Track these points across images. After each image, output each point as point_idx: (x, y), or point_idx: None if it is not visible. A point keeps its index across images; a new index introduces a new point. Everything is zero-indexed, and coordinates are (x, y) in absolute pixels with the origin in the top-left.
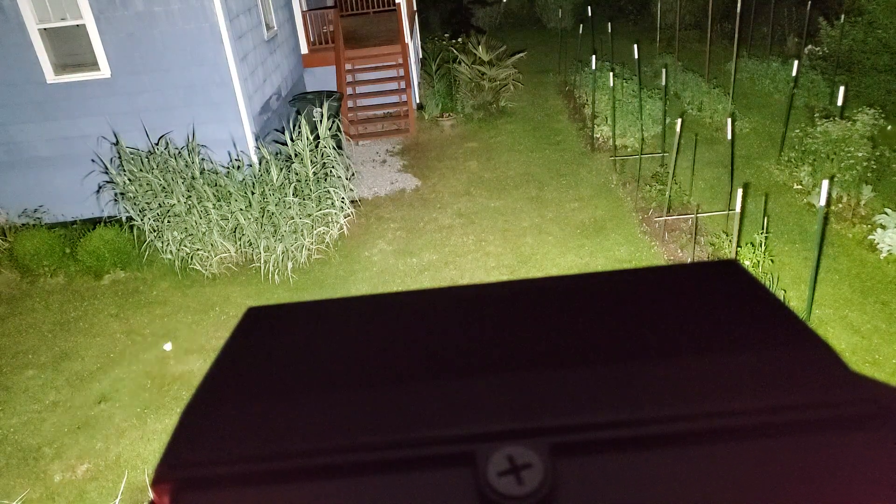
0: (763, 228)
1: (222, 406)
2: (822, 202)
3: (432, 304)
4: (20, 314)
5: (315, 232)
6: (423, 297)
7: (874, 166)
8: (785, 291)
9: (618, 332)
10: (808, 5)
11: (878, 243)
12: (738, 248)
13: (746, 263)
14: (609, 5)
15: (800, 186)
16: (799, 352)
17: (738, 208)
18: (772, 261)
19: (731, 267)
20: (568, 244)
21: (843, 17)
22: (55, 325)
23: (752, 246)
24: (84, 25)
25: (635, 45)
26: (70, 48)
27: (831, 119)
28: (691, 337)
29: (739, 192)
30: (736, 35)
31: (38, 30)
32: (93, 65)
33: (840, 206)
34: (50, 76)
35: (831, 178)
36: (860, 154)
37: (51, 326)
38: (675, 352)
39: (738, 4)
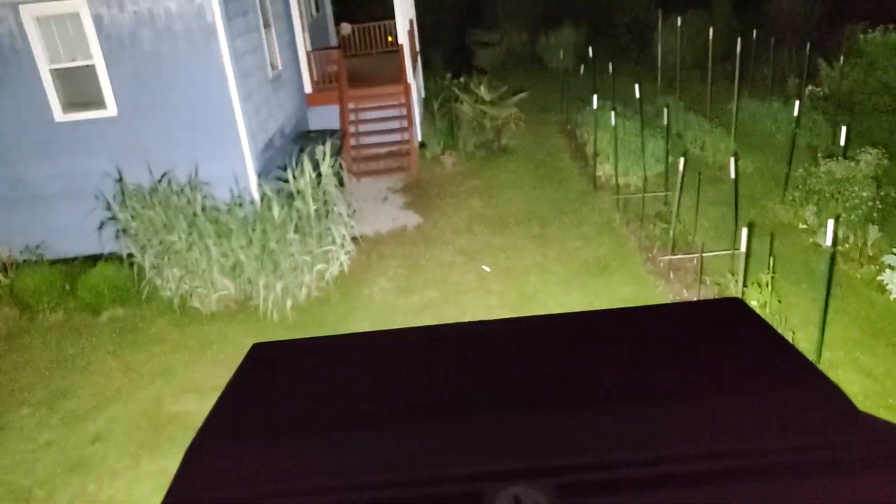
0: (769, 268)
1: (226, 445)
2: (829, 242)
3: (436, 341)
4: (18, 351)
5: (315, 269)
6: (427, 333)
7: (880, 206)
8: (794, 333)
9: (624, 372)
10: (808, 47)
11: (887, 284)
12: (745, 288)
13: (753, 303)
14: (610, 45)
15: (805, 226)
16: (806, 391)
17: (743, 248)
18: (779, 301)
19: (735, 305)
20: (571, 283)
21: (842, 58)
22: (52, 363)
23: (759, 286)
24: (94, 66)
25: (637, 85)
26: (79, 87)
27: (834, 159)
28: (698, 377)
29: (744, 231)
30: (737, 75)
31: (50, 70)
32: (100, 103)
33: (847, 245)
34: (58, 115)
35: (836, 218)
36: (865, 194)
37: (48, 364)
38: (683, 392)
39: (738, 45)
